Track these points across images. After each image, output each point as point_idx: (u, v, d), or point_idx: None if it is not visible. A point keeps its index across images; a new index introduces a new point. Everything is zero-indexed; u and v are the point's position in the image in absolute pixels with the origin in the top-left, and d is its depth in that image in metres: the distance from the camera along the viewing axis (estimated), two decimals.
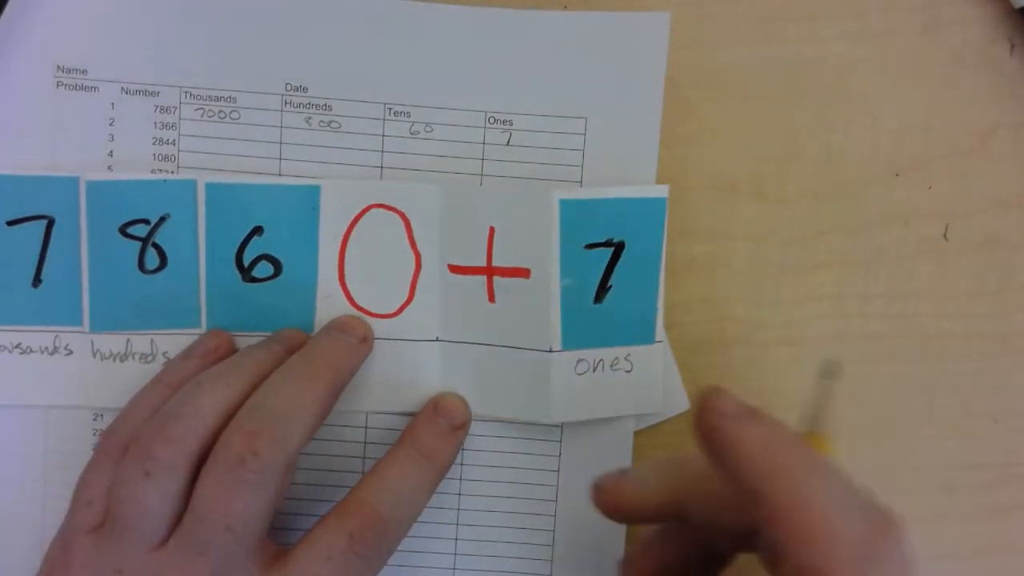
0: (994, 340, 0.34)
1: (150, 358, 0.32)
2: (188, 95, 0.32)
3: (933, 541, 0.34)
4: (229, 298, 0.32)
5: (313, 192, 0.32)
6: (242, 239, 0.31)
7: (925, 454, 0.34)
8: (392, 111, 0.32)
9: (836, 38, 0.33)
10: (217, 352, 0.31)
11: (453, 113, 0.32)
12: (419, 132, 0.32)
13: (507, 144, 0.32)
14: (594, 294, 0.32)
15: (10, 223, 0.31)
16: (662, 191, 0.32)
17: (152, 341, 0.32)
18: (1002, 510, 0.35)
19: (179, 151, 0.32)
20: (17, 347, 0.32)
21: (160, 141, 0.32)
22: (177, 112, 0.32)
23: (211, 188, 0.31)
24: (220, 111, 0.32)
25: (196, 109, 0.32)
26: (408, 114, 0.32)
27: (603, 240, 0.32)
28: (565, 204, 0.31)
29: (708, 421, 0.24)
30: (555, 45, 0.32)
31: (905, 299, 0.34)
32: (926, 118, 0.33)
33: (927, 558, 0.34)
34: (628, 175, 0.32)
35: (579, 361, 0.32)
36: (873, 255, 0.34)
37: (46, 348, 0.32)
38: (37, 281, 0.32)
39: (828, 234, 0.34)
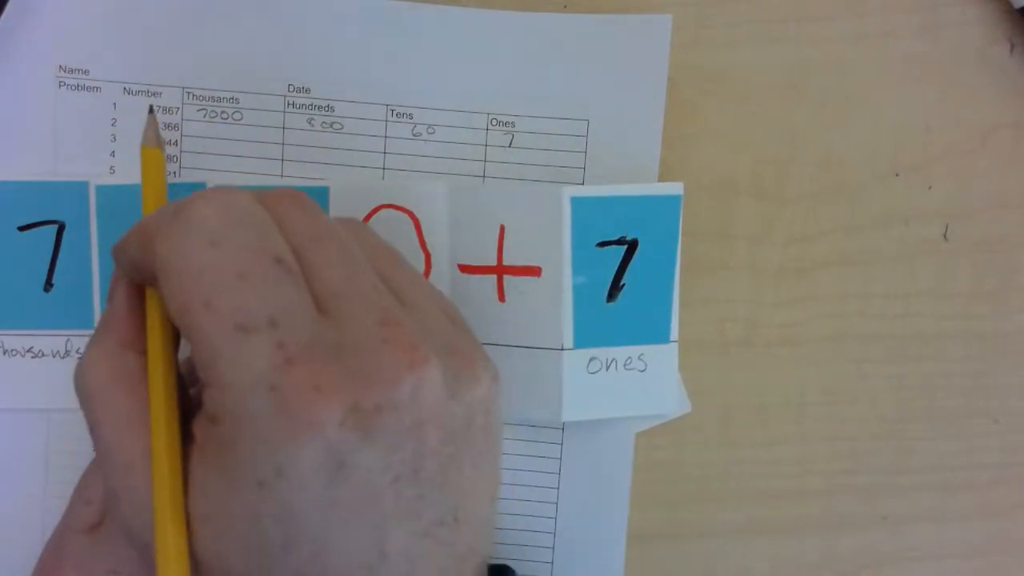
0: (994, 340, 0.34)
1: None
2: (190, 96, 0.32)
3: (933, 541, 0.35)
4: None
5: (322, 193, 0.32)
6: None
7: (925, 454, 0.34)
8: (394, 112, 0.32)
9: (836, 38, 0.33)
10: None
11: (455, 115, 0.32)
12: (421, 134, 0.32)
13: (509, 146, 0.32)
14: (607, 292, 0.31)
15: (21, 228, 0.31)
16: (677, 188, 0.32)
17: None
18: (1002, 510, 0.35)
19: (181, 152, 0.32)
20: (29, 351, 0.32)
21: None
22: (179, 113, 0.32)
23: None
24: (222, 112, 0.32)
25: (198, 110, 0.32)
26: (410, 116, 0.32)
27: (616, 238, 0.31)
28: (577, 201, 0.31)
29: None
30: (557, 47, 0.32)
31: (905, 299, 0.34)
32: (926, 118, 0.33)
33: (927, 558, 0.35)
34: (630, 177, 0.32)
35: (591, 359, 0.31)
36: (873, 255, 0.34)
37: (58, 352, 0.32)
38: (48, 285, 0.32)
39: (828, 234, 0.34)
